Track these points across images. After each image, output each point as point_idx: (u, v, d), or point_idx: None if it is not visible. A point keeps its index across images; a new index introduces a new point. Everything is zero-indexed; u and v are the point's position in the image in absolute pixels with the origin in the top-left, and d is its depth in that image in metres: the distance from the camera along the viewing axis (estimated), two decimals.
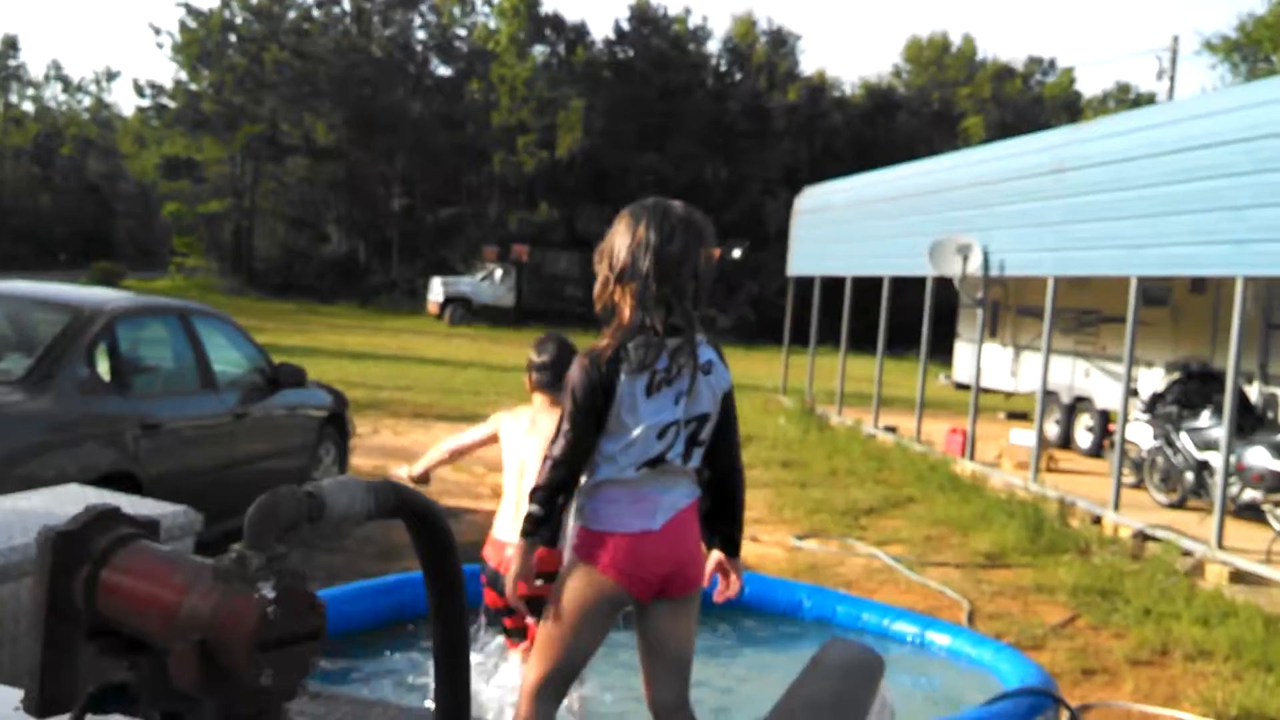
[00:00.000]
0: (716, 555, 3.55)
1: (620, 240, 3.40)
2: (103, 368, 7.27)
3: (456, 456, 5.54)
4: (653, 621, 3.39)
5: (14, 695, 1.29)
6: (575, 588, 3.29)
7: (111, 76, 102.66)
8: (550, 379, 4.91)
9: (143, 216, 72.70)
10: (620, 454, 3.30)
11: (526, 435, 4.98)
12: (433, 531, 1.34)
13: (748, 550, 10.13)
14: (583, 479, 3.38)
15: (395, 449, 14.20)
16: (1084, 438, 17.69)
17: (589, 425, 3.31)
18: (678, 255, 3.33)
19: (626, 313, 3.37)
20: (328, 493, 1.23)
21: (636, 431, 3.28)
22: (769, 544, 10.56)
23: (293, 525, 1.19)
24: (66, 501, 2.68)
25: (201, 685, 1.11)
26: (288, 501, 1.19)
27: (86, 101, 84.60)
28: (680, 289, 3.32)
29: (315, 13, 60.38)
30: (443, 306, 45.03)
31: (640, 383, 3.27)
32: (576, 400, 3.31)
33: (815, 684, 2.33)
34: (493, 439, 5.25)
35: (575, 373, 3.36)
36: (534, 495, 3.36)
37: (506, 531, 4.79)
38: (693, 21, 61.00)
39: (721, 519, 3.54)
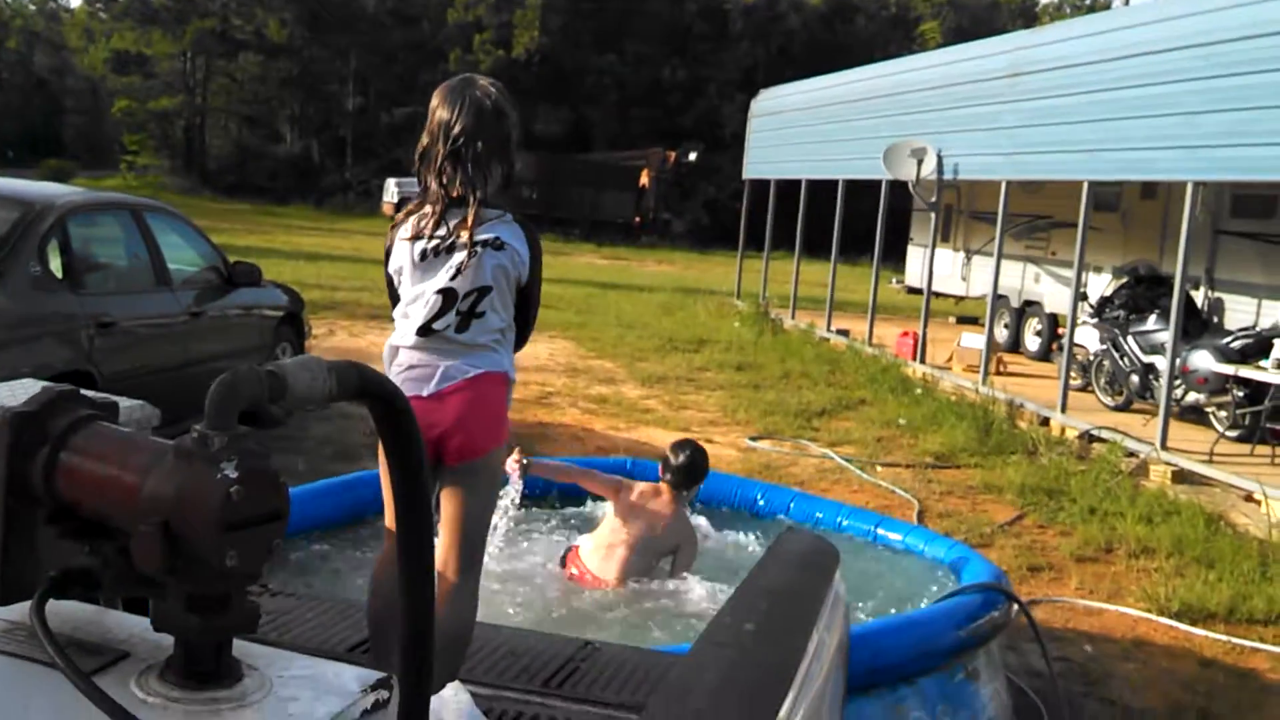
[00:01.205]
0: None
1: (430, 122, 3.43)
2: (55, 264, 7.19)
3: (568, 478, 6.32)
4: (438, 485, 3.42)
5: None
6: None
7: None
8: (676, 480, 5.87)
9: (92, 113, 71.13)
10: (401, 319, 3.41)
11: (632, 507, 5.80)
12: (395, 416, 1.33)
13: None
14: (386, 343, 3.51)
15: (352, 349, 14.16)
16: (1033, 341, 17.86)
17: (389, 285, 3.52)
18: (467, 132, 3.32)
19: (424, 189, 3.44)
20: (289, 372, 1.21)
21: (408, 296, 3.38)
22: (724, 445, 10.64)
23: (255, 404, 1.18)
24: (23, 393, 2.66)
25: (165, 568, 1.10)
26: (249, 380, 1.17)
27: None
28: (466, 164, 3.35)
29: None
30: (397, 208, 44.43)
31: (415, 249, 3.36)
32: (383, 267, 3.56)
33: (771, 574, 2.37)
34: (612, 494, 5.94)
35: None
36: None
37: (591, 558, 5.74)
38: None
39: None
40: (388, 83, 57.93)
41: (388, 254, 3.49)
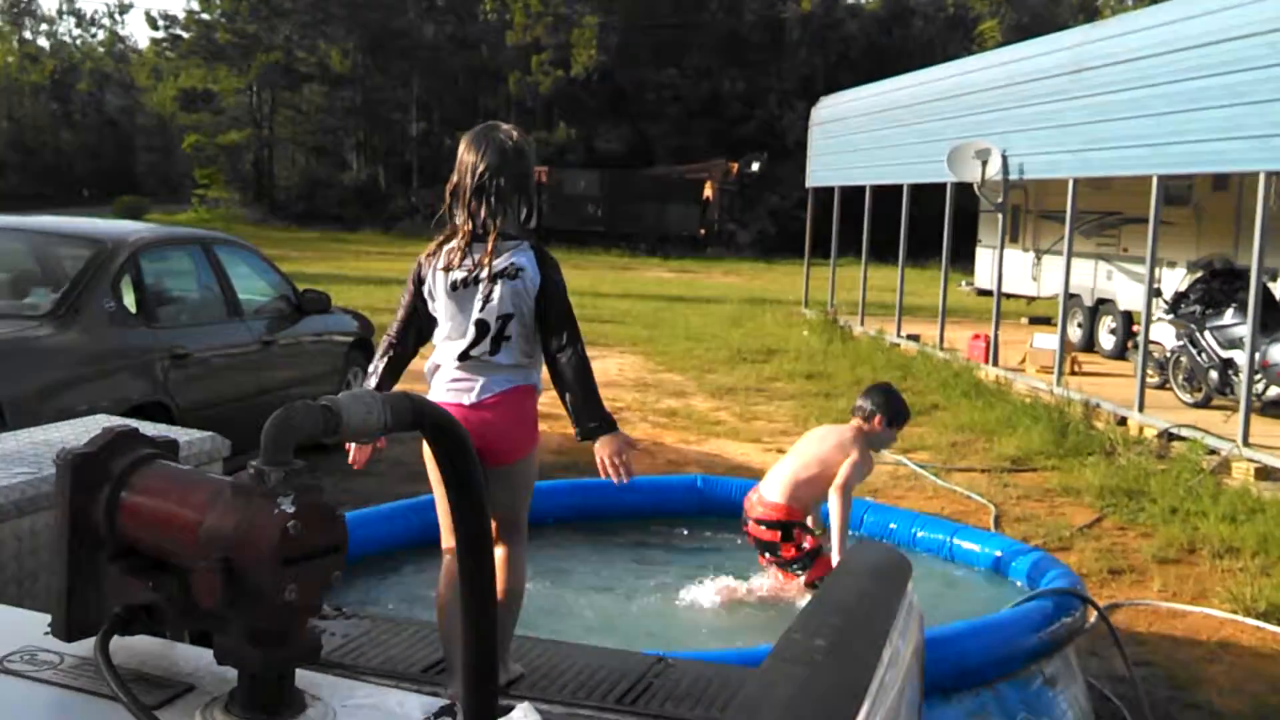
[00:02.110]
0: (597, 449, 3.87)
1: (458, 162, 3.78)
2: (129, 299, 7.32)
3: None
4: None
5: (43, 620, 1.31)
6: None
7: (125, 9, 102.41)
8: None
9: (163, 150, 72.55)
10: (441, 344, 3.80)
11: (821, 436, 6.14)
12: (452, 443, 1.34)
13: (774, 460, 10.17)
14: (427, 365, 3.93)
15: (422, 373, 14.25)
16: (1107, 340, 17.61)
17: (410, 308, 3.89)
18: (490, 169, 3.66)
19: (452, 223, 3.81)
20: (343, 406, 1.22)
21: (445, 323, 3.78)
22: None
23: (310, 439, 1.20)
24: (95, 430, 2.71)
25: (225, 603, 1.12)
26: (304, 415, 1.19)
27: (101, 35, 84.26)
28: (490, 198, 3.68)
29: None
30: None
31: (448, 280, 3.73)
32: (406, 287, 3.93)
33: (843, 587, 2.36)
34: None
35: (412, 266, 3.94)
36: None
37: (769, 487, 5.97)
38: None
39: (568, 403, 3.87)
40: (449, 107, 58.41)
41: (418, 280, 3.83)
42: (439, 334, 3.81)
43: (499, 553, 3.74)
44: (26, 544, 2.42)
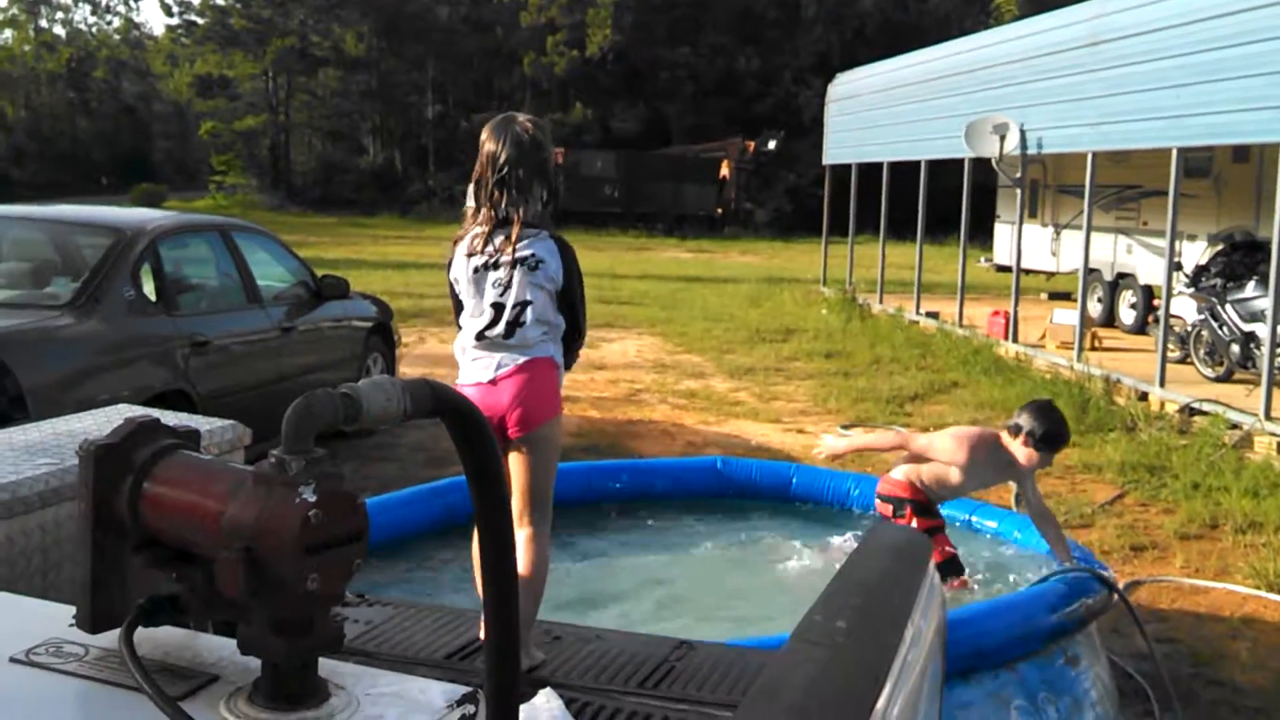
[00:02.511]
0: None
1: (480, 152, 3.96)
2: (148, 288, 7.34)
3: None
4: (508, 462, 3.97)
5: (68, 612, 1.32)
6: None
7: None
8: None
9: (180, 136, 72.70)
10: (465, 324, 3.98)
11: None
12: (472, 430, 1.34)
13: (794, 441, 10.20)
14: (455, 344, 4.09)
15: (442, 356, 14.27)
16: (1128, 315, 17.54)
17: (452, 295, 4.06)
18: (510, 160, 3.84)
19: (475, 209, 3.99)
20: (363, 394, 1.22)
21: (468, 305, 3.96)
22: (815, 435, 10.58)
23: (330, 427, 1.20)
24: (118, 420, 2.72)
25: (248, 592, 1.12)
26: (324, 403, 1.19)
27: (116, 23, 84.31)
28: (511, 188, 3.86)
29: None
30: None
31: (470, 264, 3.92)
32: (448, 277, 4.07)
33: (864, 567, 2.36)
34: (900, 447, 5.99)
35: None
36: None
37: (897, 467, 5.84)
38: None
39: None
40: (465, 90, 58.41)
41: (450, 266, 4.03)
42: (464, 314, 3.98)
43: (522, 534, 3.82)
44: (51, 535, 2.43)
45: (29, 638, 1.29)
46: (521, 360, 3.90)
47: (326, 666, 1.24)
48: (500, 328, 3.89)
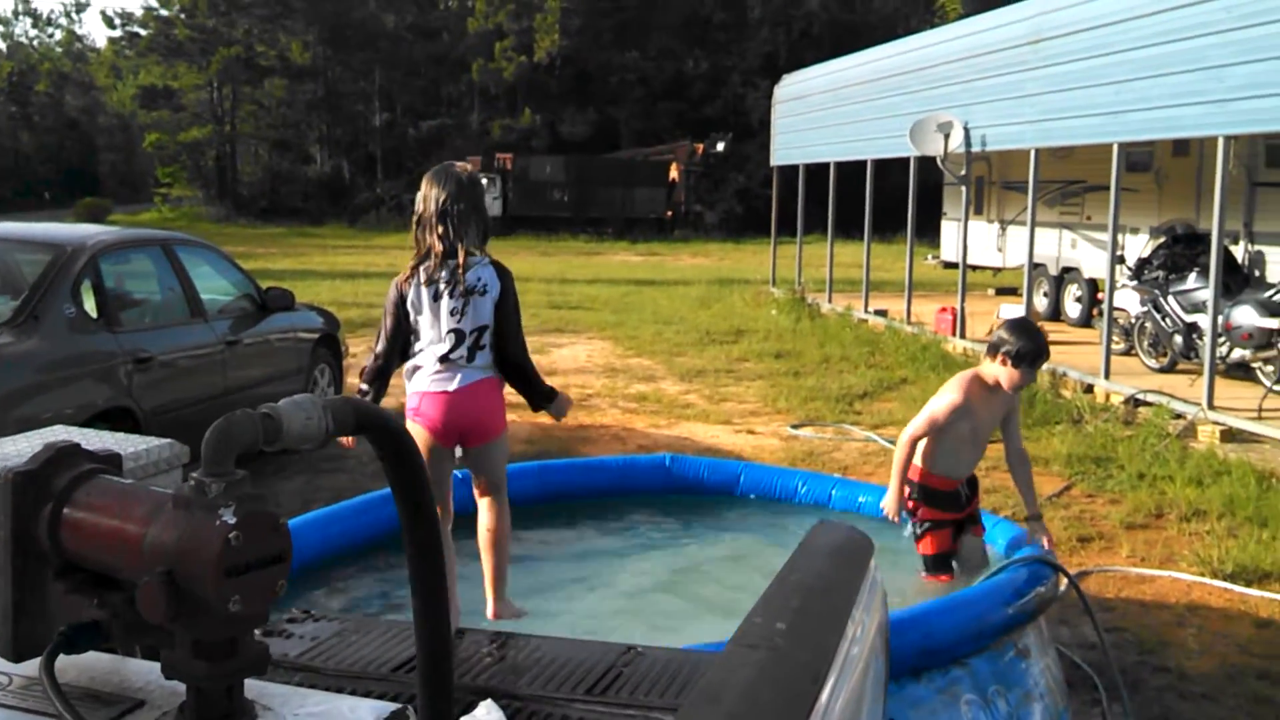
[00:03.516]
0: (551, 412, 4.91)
1: (421, 196, 4.51)
2: (89, 304, 7.27)
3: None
4: (470, 462, 4.72)
5: None
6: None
7: (81, 8, 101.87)
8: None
9: (125, 149, 71.98)
10: (424, 349, 4.45)
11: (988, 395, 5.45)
12: (396, 446, 1.35)
13: (744, 441, 10.23)
14: (406, 365, 4.57)
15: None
16: (1073, 308, 17.73)
17: (394, 330, 4.52)
18: (451, 198, 4.38)
19: (423, 246, 4.50)
20: (283, 413, 1.22)
21: (427, 332, 4.43)
22: (765, 435, 10.64)
23: (250, 448, 1.20)
24: (52, 439, 2.70)
25: (170, 616, 1.11)
26: (243, 425, 1.19)
27: (58, 35, 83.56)
28: (453, 222, 4.40)
29: None
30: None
31: (427, 293, 4.42)
32: (385, 310, 4.57)
33: (803, 568, 2.36)
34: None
35: (389, 291, 4.61)
36: (363, 376, 4.63)
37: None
38: None
39: (527, 394, 4.78)
40: (413, 96, 58.22)
41: (400, 300, 4.49)
42: (421, 341, 4.46)
43: (485, 502, 4.68)
44: None
45: None
46: (479, 378, 4.48)
47: (254, 687, 1.24)
48: (463, 350, 4.44)
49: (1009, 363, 5.28)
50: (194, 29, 57.34)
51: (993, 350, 5.35)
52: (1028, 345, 5.28)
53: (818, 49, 41.44)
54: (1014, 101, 14.62)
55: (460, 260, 4.41)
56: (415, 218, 4.50)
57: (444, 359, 4.41)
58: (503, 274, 4.56)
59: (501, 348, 4.57)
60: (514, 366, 4.65)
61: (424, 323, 4.45)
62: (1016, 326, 5.44)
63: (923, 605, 4.87)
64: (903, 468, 5.39)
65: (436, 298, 4.41)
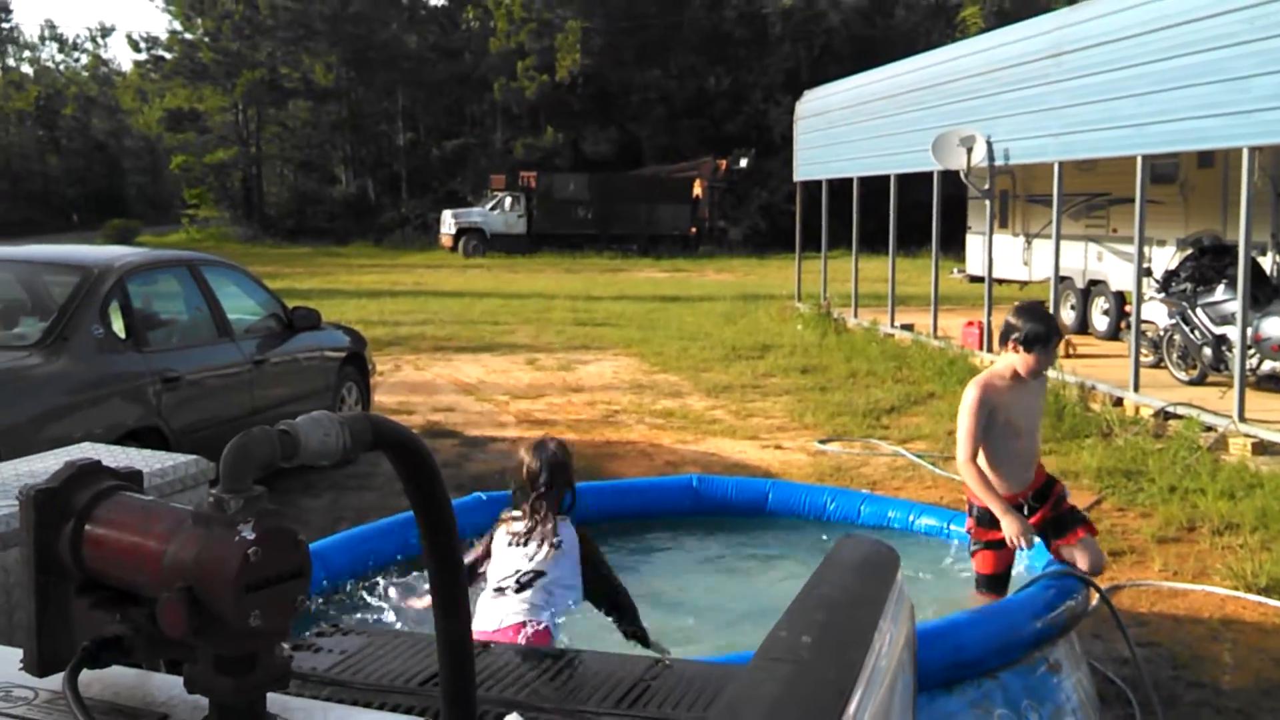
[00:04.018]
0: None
1: (522, 467, 4.86)
2: (117, 325, 7.32)
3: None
4: None
5: (18, 654, 1.31)
6: None
7: (106, 32, 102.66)
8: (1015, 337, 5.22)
9: (151, 171, 72.52)
10: (490, 583, 4.75)
11: (1024, 390, 5.29)
12: (416, 462, 1.34)
13: (772, 457, 10.21)
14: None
15: (418, 383, 14.28)
16: (1100, 321, 17.64)
17: (475, 560, 4.84)
18: (545, 475, 4.77)
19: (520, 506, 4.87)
20: (302, 430, 1.23)
21: (495, 572, 4.74)
22: (792, 450, 10.61)
23: (268, 465, 1.20)
24: (80, 457, 2.71)
25: (191, 631, 1.12)
26: (261, 442, 1.19)
27: (84, 60, 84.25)
28: (548, 498, 4.77)
29: None
30: (456, 239, 44.94)
31: (506, 540, 4.78)
32: (481, 542, 4.93)
33: (829, 581, 2.35)
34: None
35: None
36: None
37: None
38: None
39: (625, 624, 4.83)
40: (436, 116, 58.48)
41: (491, 537, 4.88)
42: (490, 577, 4.79)
43: None
44: (14, 575, 2.42)
45: None
46: (515, 621, 4.61)
47: (277, 702, 1.24)
48: (521, 588, 4.72)
49: (1020, 349, 5.14)
50: (218, 52, 57.77)
51: (1004, 339, 5.24)
52: (1036, 327, 5.14)
53: (839, 64, 41.42)
54: (1036, 115, 14.58)
55: (550, 527, 4.80)
56: (515, 485, 4.95)
57: (499, 591, 4.71)
58: (583, 537, 4.91)
59: (595, 587, 4.85)
60: (610, 601, 4.88)
61: (495, 562, 4.80)
62: (1022, 310, 5.31)
63: (953, 617, 4.85)
64: (985, 489, 5.19)
65: (512, 543, 4.80)
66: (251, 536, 1.12)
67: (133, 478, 1.29)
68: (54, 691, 1.27)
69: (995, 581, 5.31)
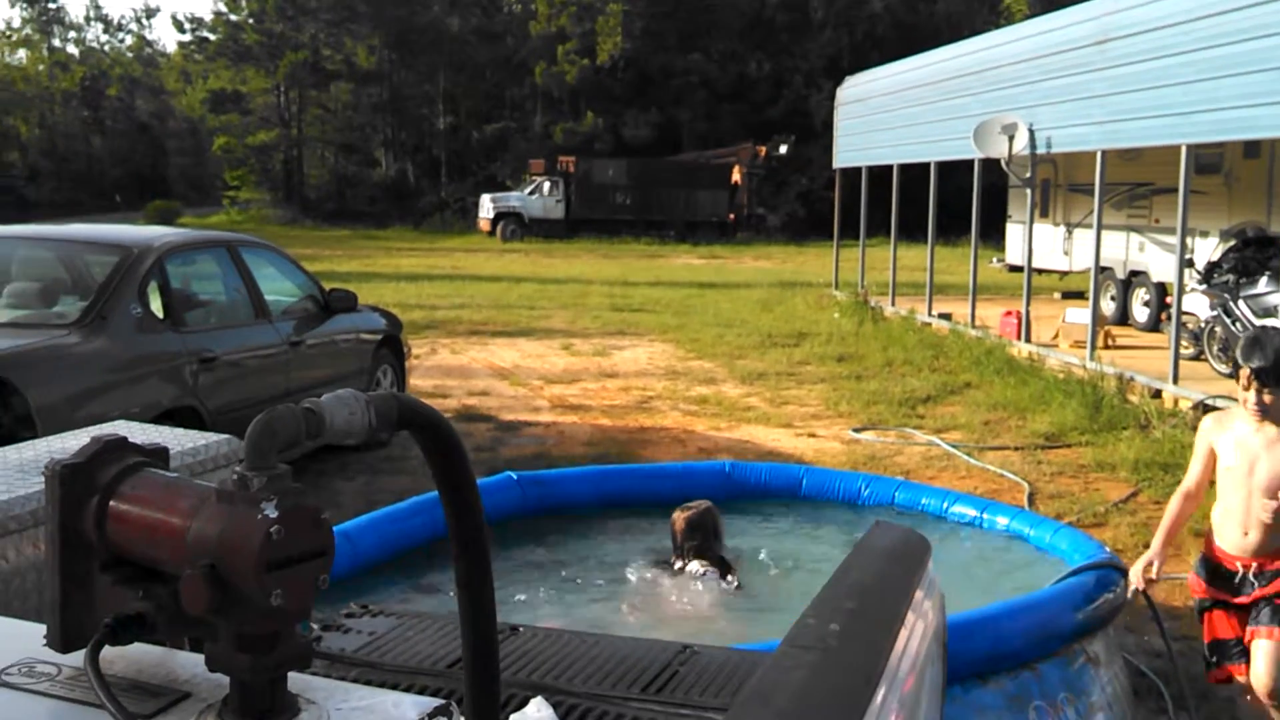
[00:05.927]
0: None
1: (681, 524, 5.44)
2: (156, 305, 7.37)
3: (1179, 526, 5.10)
4: None
5: (42, 630, 1.32)
6: None
7: (151, 13, 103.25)
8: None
9: (194, 153, 73.00)
10: None
11: (1255, 435, 4.51)
12: (441, 442, 1.33)
13: (806, 445, 10.18)
14: None
15: (453, 367, 14.31)
16: (1141, 312, 17.48)
17: None
18: (693, 529, 5.37)
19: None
20: (326, 408, 1.22)
21: None
22: (827, 438, 10.58)
23: (293, 443, 1.20)
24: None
25: (213, 609, 1.12)
26: (285, 420, 1.18)
27: (128, 40, 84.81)
28: (696, 542, 5.34)
29: None
30: (494, 223, 45.03)
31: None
32: None
33: (859, 568, 2.34)
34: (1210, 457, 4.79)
35: None
36: None
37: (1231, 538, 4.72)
38: None
39: None
40: (476, 100, 58.59)
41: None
42: None
43: None
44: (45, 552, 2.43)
45: (2, 658, 1.29)
46: None
47: (298, 682, 1.24)
48: None
49: (1251, 383, 4.35)
50: (261, 33, 58.12)
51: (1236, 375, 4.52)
52: (1267, 359, 4.29)
53: (881, 51, 41.22)
54: (1080, 103, 14.45)
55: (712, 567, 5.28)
56: (680, 537, 5.39)
57: None
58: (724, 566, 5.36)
59: None
60: None
61: None
62: (1248, 340, 4.51)
63: (991, 607, 4.81)
64: (1165, 527, 4.92)
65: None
66: (274, 514, 1.12)
67: (159, 454, 1.29)
68: (76, 668, 1.27)
69: (1218, 649, 4.78)
